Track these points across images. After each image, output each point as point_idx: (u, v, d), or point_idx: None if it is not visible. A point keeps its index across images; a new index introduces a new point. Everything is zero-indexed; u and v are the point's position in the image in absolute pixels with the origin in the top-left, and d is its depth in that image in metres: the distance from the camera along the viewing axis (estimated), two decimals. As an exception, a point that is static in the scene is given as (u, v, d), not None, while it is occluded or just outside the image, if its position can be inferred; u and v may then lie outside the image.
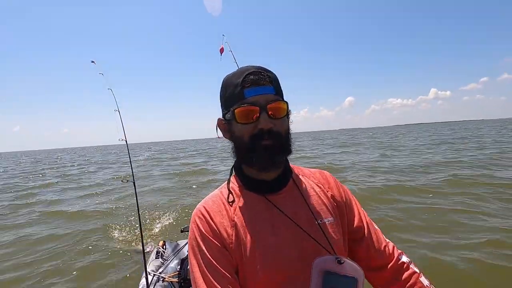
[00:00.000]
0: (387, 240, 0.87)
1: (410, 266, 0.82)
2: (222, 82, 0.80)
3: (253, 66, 0.76)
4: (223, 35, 1.84)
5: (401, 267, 0.81)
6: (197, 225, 0.75)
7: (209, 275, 0.69)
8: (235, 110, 0.73)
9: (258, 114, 0.72)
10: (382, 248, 0.83)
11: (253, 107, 0.72)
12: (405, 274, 0.80)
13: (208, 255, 0.71)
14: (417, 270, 0.82)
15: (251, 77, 0.73)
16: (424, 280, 0.80)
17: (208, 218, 0.75)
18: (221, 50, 1.83)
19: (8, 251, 4.32)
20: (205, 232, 0.73)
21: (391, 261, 0.82)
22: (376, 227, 0.88)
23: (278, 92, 0.76)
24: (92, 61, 2.27)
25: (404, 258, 0.83)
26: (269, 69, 0.78)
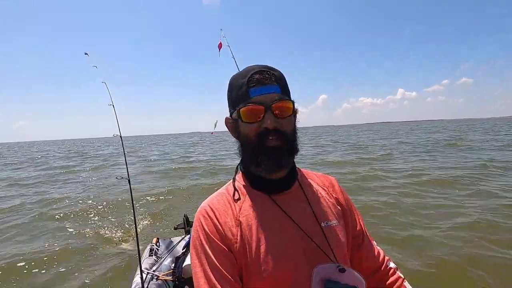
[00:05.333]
0: (378, 247, 0.90)
1: (396, 272, 0.86)
2: (229, 82, 0.80)
3: (258, 65, 0.76)
4: (221, 29, 1.75)
5: (388, 273, 0.85)
6: (202, 224, 0.74)
7: (211, 276, 0.68)
8: (241, 110, 0.73)
9: (263, 113, 0.71)
10: (375, 255, 0.87)
11: (258, 107, 0.72)
12: (391, 279, 0.84)
13: (212, 256, 0.70)
14: (402, 276, 0.86)
15: (256, 76, 0.73)
16: (407, 285, 0.84)
17: (214, 218, 0.74)
18: (219, 46, 1.70)
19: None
20: (209, 233, 0.72)
21: (381, 267, 0.85)
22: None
23: (284, 91, 0.75)
24: (86, 53, 2.16)
25: (392, 264, 0.87)
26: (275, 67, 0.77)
